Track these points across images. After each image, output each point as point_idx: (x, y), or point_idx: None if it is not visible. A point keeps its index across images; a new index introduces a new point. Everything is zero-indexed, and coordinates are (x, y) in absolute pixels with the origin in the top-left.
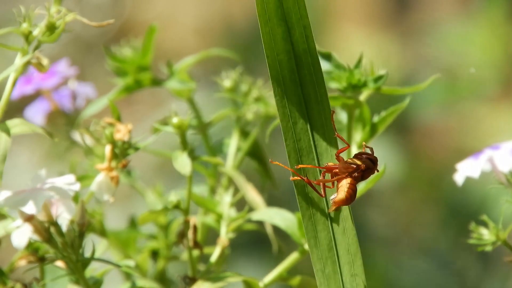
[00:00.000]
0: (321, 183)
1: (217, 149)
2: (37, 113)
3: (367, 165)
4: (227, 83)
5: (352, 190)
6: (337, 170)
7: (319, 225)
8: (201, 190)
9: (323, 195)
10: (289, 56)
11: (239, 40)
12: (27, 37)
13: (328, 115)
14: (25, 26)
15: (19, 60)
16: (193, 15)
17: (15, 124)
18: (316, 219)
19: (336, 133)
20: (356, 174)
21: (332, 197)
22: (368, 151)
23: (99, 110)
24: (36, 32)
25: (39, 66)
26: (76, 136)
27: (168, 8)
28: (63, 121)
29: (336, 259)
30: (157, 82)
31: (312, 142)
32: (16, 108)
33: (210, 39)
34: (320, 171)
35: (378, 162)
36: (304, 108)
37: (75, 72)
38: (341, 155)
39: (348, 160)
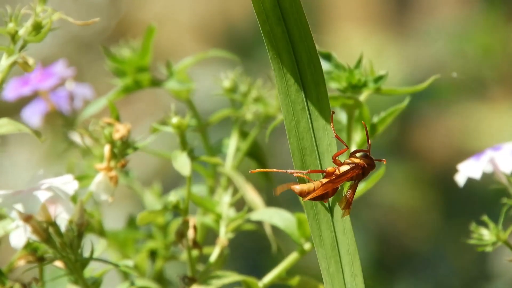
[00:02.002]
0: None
1: (216, 150)
2: (34, 114)
3: (366, 162)
4: (226, 83)
5: (316, 186)
6: (337, 173)
7: (323, 224)
8: (199, 190)
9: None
10: (289, 55)
11: (238, 39)
12: (13, 36)
13: (328, 115)
14: (11, 25)
15: (5, 61)
16: (191, 14)
17: (2, 124)
18: (320, 218)
19: (335, 134)
20: (356, 173)
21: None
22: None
23: (99, 110)
24: (22, 31)
25: (25, 66)
26: (74, 137)
27: (166, 6)
28: (61, 122)
29: (339, 258)
30: (156, 83)
31: (314, 142)
32: (14, 109)
33: (208, 38)
34: (322, 175)
35: (373, 159)
36: (307, 108)
37: (72, 73)
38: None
39: (346, 160)
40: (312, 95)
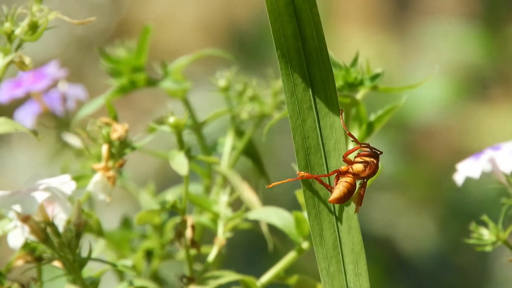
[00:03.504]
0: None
1: (212, 149)
2: (27, 115)
3: (374, 161)
4: (221, 82)
5: (348, 189)
6: (348, 173)
7: (324, 224)
8: (195, 189)
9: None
10: (298, 53)
11: (241, 38)
12: (9, 36)
13: (337, 113)
14: (7, 25)
15: (1, 60)
16: (194, 14)
17: None
18: (322, 218)
19: (347, 132)
20: (371, 170)
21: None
22: (367, 149)
23: (99, 110)
24: (18, 31)
25: (22, 65)
26: (68, 138)
27: (168, 6)
28: (54, 123)
29: (341, 258)
30: (151, 82)
31: (320, 140)
32: (6, 111)
33: (212, 37)
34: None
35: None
36: (314, 107)
37: (65, 74)
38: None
39: (357, 159)
40: (320, 93)
